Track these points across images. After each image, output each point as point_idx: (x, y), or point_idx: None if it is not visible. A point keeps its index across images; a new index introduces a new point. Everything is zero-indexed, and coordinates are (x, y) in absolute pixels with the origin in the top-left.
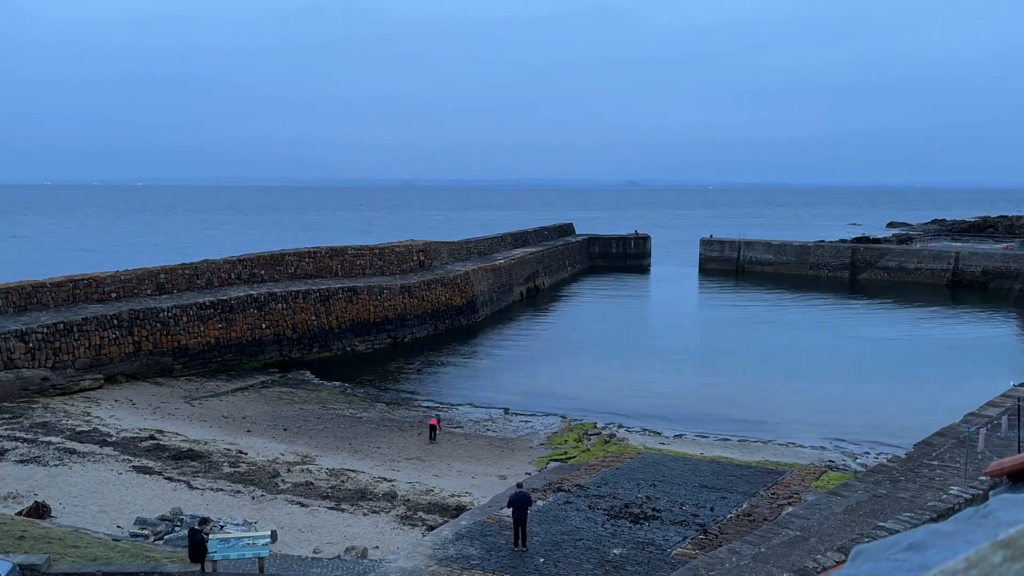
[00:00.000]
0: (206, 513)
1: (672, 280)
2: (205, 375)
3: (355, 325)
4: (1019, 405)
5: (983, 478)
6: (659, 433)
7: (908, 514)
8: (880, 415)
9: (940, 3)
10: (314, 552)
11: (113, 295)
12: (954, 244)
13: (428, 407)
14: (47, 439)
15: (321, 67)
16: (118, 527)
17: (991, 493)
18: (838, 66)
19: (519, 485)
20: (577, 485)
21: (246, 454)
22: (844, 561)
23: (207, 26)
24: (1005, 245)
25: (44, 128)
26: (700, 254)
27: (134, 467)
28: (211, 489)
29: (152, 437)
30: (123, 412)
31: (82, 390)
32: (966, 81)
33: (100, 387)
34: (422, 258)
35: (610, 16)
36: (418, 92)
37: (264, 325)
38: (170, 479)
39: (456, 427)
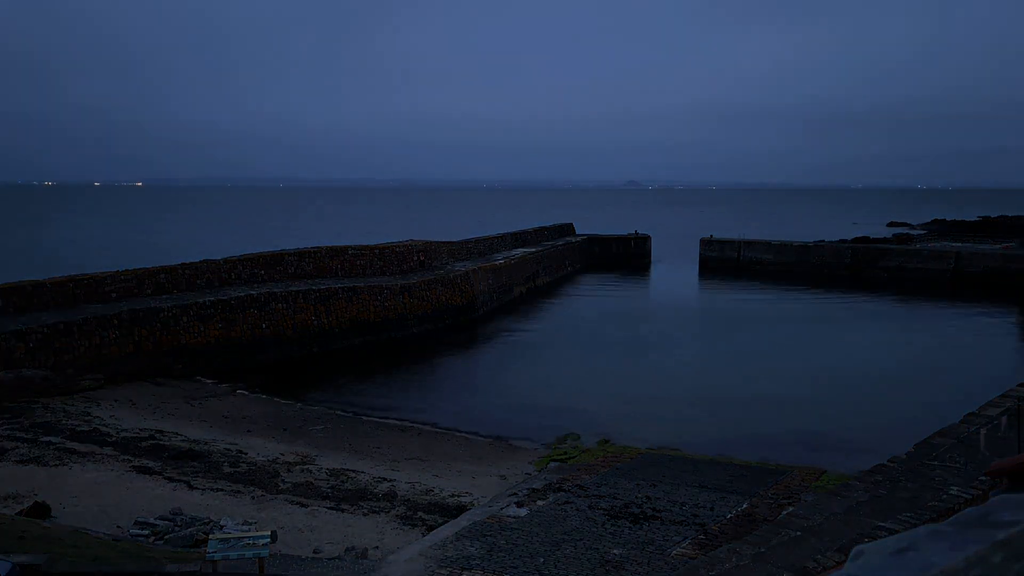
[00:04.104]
0: (206, 513)
1: (672, 280)
2: (205, 375)
3: (355, 325)
4: (1019, 405)
5: (983, 478)
6: (658, 433)
7: (908, 514)
8: (880, 415)
9: None
10: (314, 552)
11: (113, 295)
12: (954, 244)
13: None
14: (47, 439)
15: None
16: (118, 527)
17: (991, 493)
18: None
19: None
20: (577, 485)
21: (246, 454)
22: (844, 561)
23: None
24: (1005, 245)
25: None
26: (700, 254)
27: (134, 467)
28: (211, 489)
29: (152, 437)
30: (123, 412)
31: (82, 390)
32: None
33: (100, 387)
34: (422, 258)
35: None
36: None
37: (264, 325)
38: (170, 479)
39: (456, 428)
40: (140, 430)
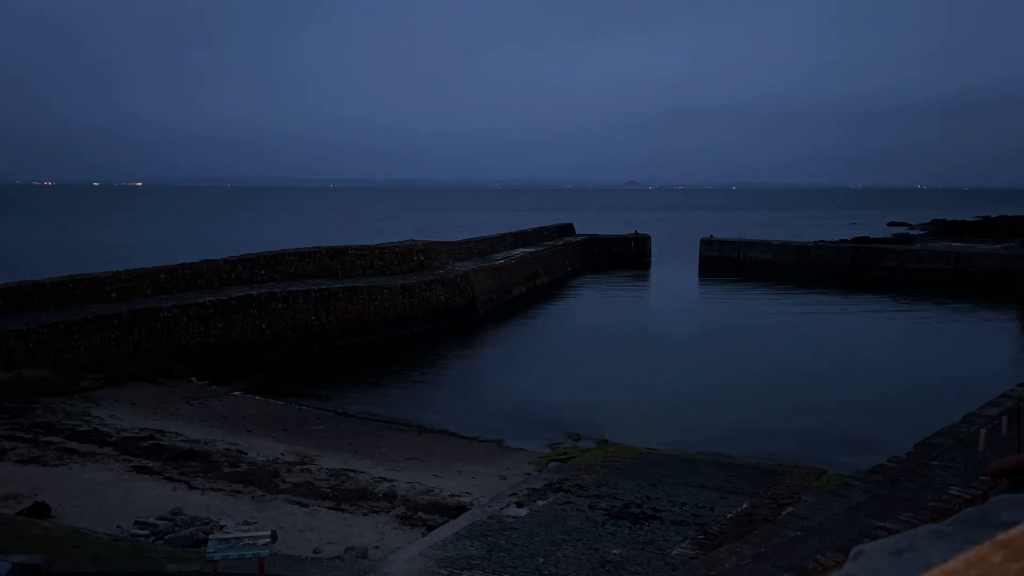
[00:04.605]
0: (206, 513)
1: (672, 280)
2: (205, 375)
3: (355, 325)
4: (1019, 405)
5: (983, 478)
6: (658, 433)
7: (908, 514)
8: (880, 415)
9: None
10: (314, 552)
11: (113, 295)
12: (954, 244)
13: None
14: (47, 439)
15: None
16: (118, 527)
17: (991, 493)
18: None
19: None
20: (577, 485)
21: (246, 454)
22: (844, 561)
23: None
24: (1005, 245)
25: None
26: (700, 254)
27: (134, 467)
28: (211, 489)
29: (152, 437)
30: (123, 412)
31: (82, 390)
32: None
33: (100, 387)
34: (422, 258)
35: None
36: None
37: (264, 325)
38: (170, 479)
39: (456, 428)
40: (140, 430)
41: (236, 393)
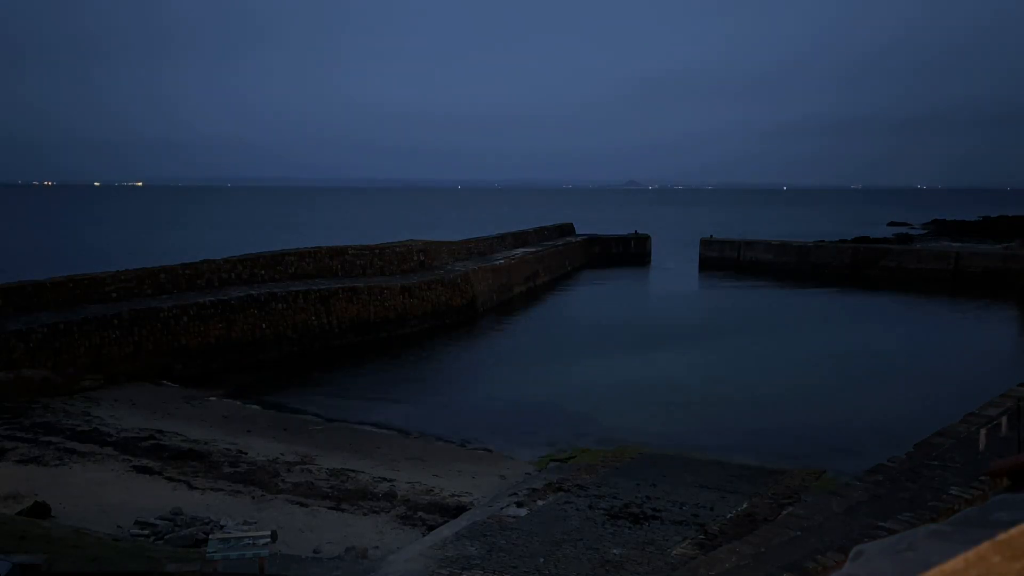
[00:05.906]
0: (206, 513)
1: (672, 280)
2: (205, 375)
3: (355, 325)
4: (1019, 405)
5: (983, 478)
6: (658, 433)
7: (908, 514)
8: (879, 415)
9: None
10: (314, 552)
11: (113, 295)
12: (954, 244)
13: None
14: (47, 439)
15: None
16: (118, 527)
17: (991, 493)
18: None
19: None
20: (577, 485)
21: (246, 454)
22: (844, 561)
23: None
24: (1005, 245)
25: None
26: (700, 254)
27: (134, 467)
28: (211, 489)
29: (152, 437)
30: (123, 412)
31: (82, 390)
32: None
33: (100, 387)
34: (422, 258)
35: None
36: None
37: (264, 325)
38: (170, 479)
39: (456, 427)
40: (140, 430)
41: (235, 393)
